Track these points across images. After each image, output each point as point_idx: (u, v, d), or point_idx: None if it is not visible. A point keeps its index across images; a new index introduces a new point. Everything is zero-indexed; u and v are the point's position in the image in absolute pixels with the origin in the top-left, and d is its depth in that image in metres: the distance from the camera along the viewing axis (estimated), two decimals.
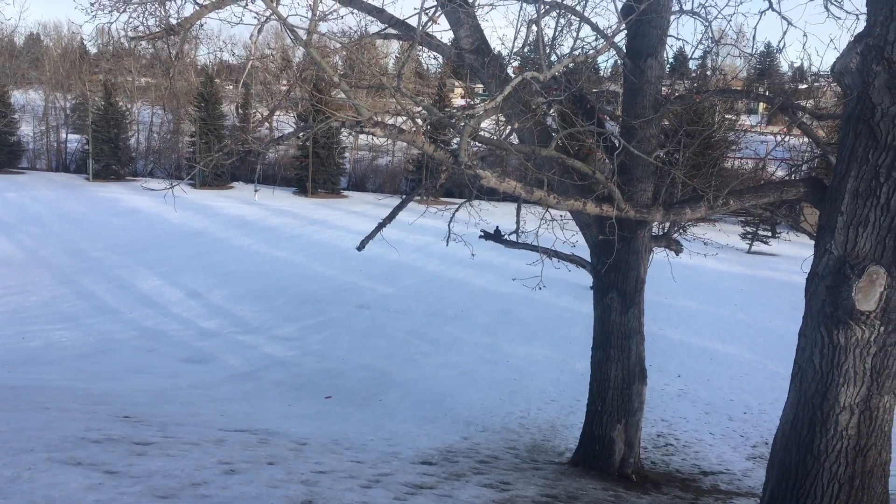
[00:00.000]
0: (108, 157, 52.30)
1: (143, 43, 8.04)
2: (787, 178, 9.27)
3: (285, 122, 55.08)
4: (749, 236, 42.05)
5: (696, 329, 22.91)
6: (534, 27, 7.19)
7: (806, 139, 9.09)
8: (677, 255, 10.29)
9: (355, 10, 8.53)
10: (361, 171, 59.46)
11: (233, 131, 50.44)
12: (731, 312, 25.93)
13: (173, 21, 7.76)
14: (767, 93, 10.91)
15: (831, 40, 8.32)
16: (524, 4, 8.15)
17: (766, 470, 7.02)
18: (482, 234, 10.32)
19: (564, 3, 8.10)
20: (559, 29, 8.75)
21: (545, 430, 13.01)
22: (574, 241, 10.22)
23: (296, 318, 22.19)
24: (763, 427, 13.67)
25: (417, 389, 15.54)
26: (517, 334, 21.08)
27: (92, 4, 7.68)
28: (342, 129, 6.31)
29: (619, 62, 9.63)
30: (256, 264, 29.68)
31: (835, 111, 8.13)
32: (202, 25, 7.99)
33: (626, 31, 8.66)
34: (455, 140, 6.64)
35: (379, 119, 6.14)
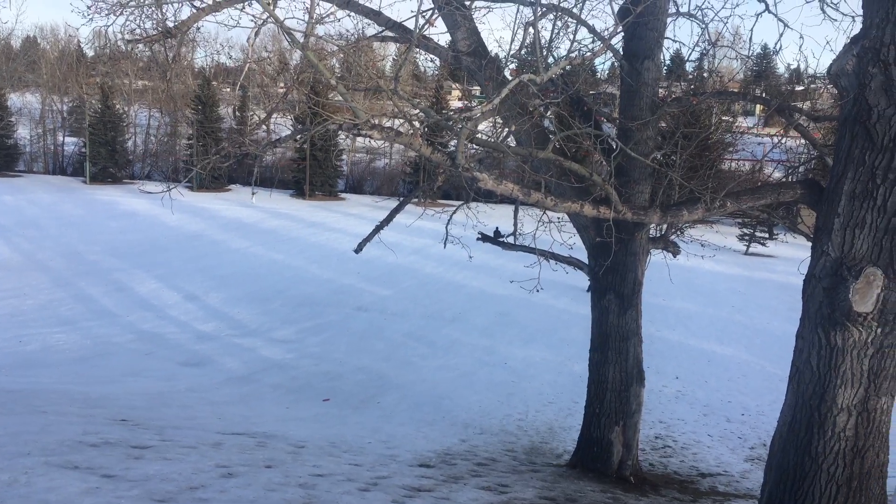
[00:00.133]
0: (105, 160, 52.23)
1: (140, 46, 8.04)
2: (783, 179, 9.28)
3: (282, 125, 55.01)
4: (746, 238, 42.09)
5: (693, 331, 22.93)
6: (531, 30, 7.20)
7: (803, 141, 9.10)
8: (675, 256, 10.31)
9: (352, 13, 8.53)
10: (359, 174, 59.45)
11: (230, 134, 50.43)
12: (728, 314, 25.96)
13: (170, 24, 7.76)
14: (764, 95, 10.91)
15: (828, 42, 8.36)
16: (521, 7, 8.17)
17: (764, 471, 7.02)
18: (480, 236, 10.32)
19: (561, 5, 8.12)
20: (556, 31, 8.76)
21: (543, 432, 13.01)
22: (572, 243, 10.23)
23: (293, 320, 22.17)
24: (761, 428, 13.68)
25: (415, 392, 15.54)
26: (515, 336, 21.08)
27: (89, 7, 7.67)
28: (339, 132, 6.31)
29: (615, 64, 9.65)
30: (254, 267, 29.66)
31: (831, 113, 8.14)
32: (199, 28, 7.98)
33: (622, 34, 8.68)
34: (452, 142, 6.65)
35: (376, 121, 6.14)
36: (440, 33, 8.77)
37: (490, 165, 9.86)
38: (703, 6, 8.97)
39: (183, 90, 57.14)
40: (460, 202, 10.03)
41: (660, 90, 9.19)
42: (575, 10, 8.34)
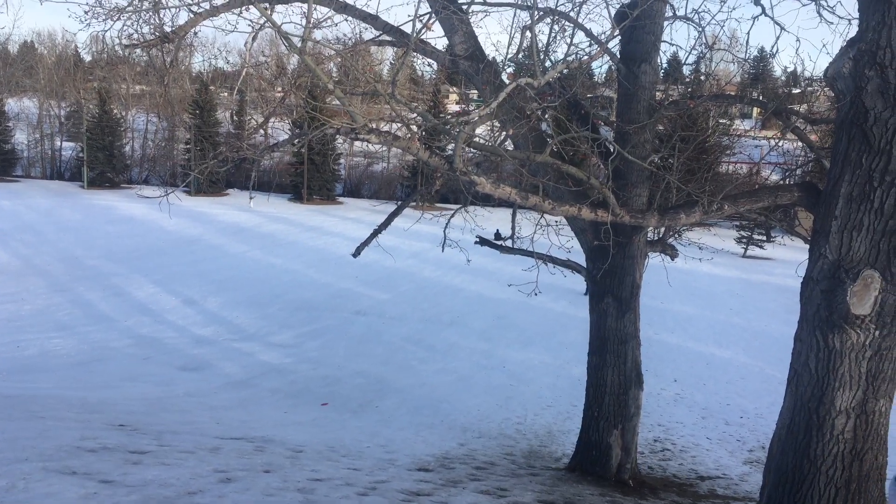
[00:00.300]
0: (103, 165, 52.24)
1: (138, 50, 8.05)
2: (781, 182, 9.30)
3: (280, 129, 55.06)
4: (744, 240, 42.14)
5: (692, 333, 22.93)
6: (528, 33, 7.22)
7: (800, 144, 9.12)
8: (673, 259, 10.31)
9: (350, 18, 8.55)
10: (357, 178, 59.50)
11: (228, 138, 50.40)
12: (726, 317, 25.97)
13: (168, 29, 7.77)
14: (761, 98, 10.95)
15: (824, 45, 8.38)
16: (518, 11, 8.18)
17: (763, 474, 7.02)
18: (478, 239, 10.32)
19: (558, 9, 8.13)
20: (553, 35, 8.78)
21: (542, 435, 13.00)
22: (570, 246, 10.22)
23: (291, 324, 22.15)
24: (760, 431, 13.67)
25: (414, 396, 15.52)
26: (513, 340, 21.07)
27: (86, 12, 7.68)
28: (337, 136, 6.30)
29: (613, 68, 9.67)
30: (252, 271, 29.64)
31: (828, 116, 8.17)
32: (196, 33, 7.99)
33: (620, 37, 8.69)
34: (450, 146, 6.65)
35: (374, 126, 6.15)
36: (437, 37, 8.81)
37: (488, 169, 9.87)
38: (700, 10, 8.99)
39: (181, 95, 57.18)
40: (458, 206, 10.03)
41: (657, 93, 9.21)
42: (572, 14, 8.37)
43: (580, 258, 9.76)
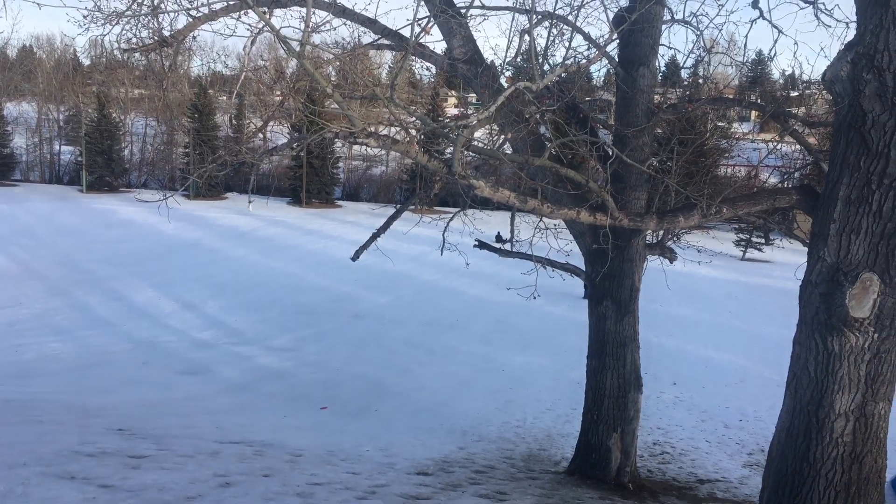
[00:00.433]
0: (102, 169, 52.19)
1: (137, 54, 8.06)
2: (779, 185, 9.31)
3: (279, 133, 55.08)
4: (743, 243, 42.13)
5: (690, 336, 22.92)
6: (526, 37, 7.23)
7: (798, 147, 9.13)
8: (671, 262, 10.32)
9: (348, 22, 8.56)
10: (355, 181, 59.48)
11: (226, 142, 50.40)
12: (725, 319, 25.96)
13: (166, 33, 7.78)
14: (759, 101, 10.96)
15: (822, 48, 8.37)
16: (517, 14, 8.20)
17: (763, 477, 7.02)
18: (477, 243, 10.33)
19: (556, 13, 8.15)
20: (552, 39, 8.80)
21: (541, 439, 12.98)
22: (568, 249, 10.23)
23: (291, 328, 22.13)
24: (759, 434, 13.66)
25: (413, 399, 15.51)
26: (512, 343, 21.06)
27: (85, 17, 7.69)
28: (336, 140, 6.31)
29: (611, 71, 9.68)
30: (251, 275, 29.62)
31: (826, 119, 8.17)
32: (195, 37, 8.00)
33: (618, 41, 8.71)
34: (449, 150, 6.66)
35: (372, 129, 6.15)
36: (436, 41, 8.83)
37: (486, 173, 9.87)
38: (698, 13, 9.02)
39: (179, 99, 57.15)
40: (457, 209, 10.03)
41: (655, 97, 9.22)
42: (570, 18, 8.39)
43: (579, 261, 9.77)
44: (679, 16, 9.21)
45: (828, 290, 6.12)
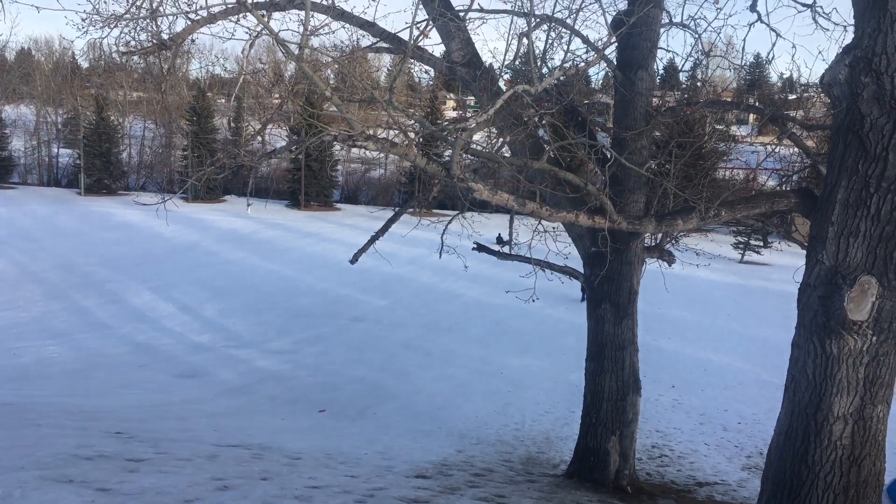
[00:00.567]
0: (100, 172, 52.18)
1: (135, 57, 8.05)
2: (777, 188, 9.32)
3: (277, 136, 55.10)
4: (741, 246, 42.19)
5: (689, 339, 22.94)
6: (525, 40, 7.23)
7: (796, 150, 9.14)
8: (670, 265, 10.32)
9: (347, 25, 8.55)
10: (354, 184, 59.51)
11: (225, 145, 50.43)
12: (724, 322, 25.98)
13: (165, 36, 7.78)
14: (757, 104, 10.98)
15: (820, 52, 8.39)
16: (515, 18, 8.20)
17: (761, 480, 7.01)
18: (475, 246, 10.32)
19: (555, 16, 8.15)
20: (550, 42, 8.79)
21: (540, 442, 12.97)
22: (567, 252, 10.23)
23: (289, 331, 22.12)
24: (758, 437, 13.66)
25: (412, 402, 15.50)
26: (511, 346, 21.06)
27: (84, 20, 7.68)
28: (334, 143, 6.31)
29: (609, 74, 9.69)
30: (249, 278, 29.60)
31: (824, 122, 8.19)
32: (194, 40, 8.01)
33: (616, 44, 8.72)
34: (447, 153, 6.66)
35: (371, 132, 6.15)
36: (435, 44, 8.84)
37: (485, 175, 9.88)
38: (697, 16, 9.04)
39: (178, 101, 57.17)
40: (455, 212, 10.03)
41: (654, 100, 9.23)
42: (569, 21, 8.39)
43: (578, 264, 9.77)
44: (677, 19, 9.24)
45: (826, 293, 6.12)
